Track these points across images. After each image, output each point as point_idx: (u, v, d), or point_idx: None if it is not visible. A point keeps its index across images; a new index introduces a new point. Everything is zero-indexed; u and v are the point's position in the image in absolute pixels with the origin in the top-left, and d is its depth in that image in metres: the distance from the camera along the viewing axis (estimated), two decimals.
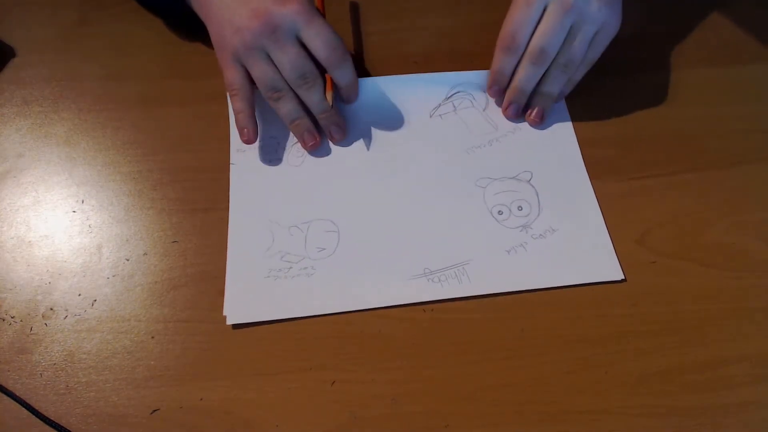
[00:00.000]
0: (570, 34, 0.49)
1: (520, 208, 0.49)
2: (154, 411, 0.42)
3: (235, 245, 0.48)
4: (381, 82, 0.54)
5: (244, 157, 0.52)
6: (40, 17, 0.60)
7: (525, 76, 0.51)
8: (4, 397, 0.42)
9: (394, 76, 0.55)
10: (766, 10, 0.61)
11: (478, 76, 0.55)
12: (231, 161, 0.52)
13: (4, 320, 0.45)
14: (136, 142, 0.53)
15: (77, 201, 0.50)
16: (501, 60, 0.51)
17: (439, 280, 0.46)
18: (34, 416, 0.41)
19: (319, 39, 0.46)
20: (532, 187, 0.50)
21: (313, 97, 0.49)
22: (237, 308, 0.45)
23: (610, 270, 0.46)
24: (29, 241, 0.48)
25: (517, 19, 0.49)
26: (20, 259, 0.47)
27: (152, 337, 0.44)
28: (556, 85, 0.51)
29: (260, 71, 0.48)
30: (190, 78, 0.56)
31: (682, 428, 0.41)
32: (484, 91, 0.55)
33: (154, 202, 0.50)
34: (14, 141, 0.53)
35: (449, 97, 0.55)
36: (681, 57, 0.58)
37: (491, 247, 0.47)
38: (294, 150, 0.52)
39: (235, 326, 0.44)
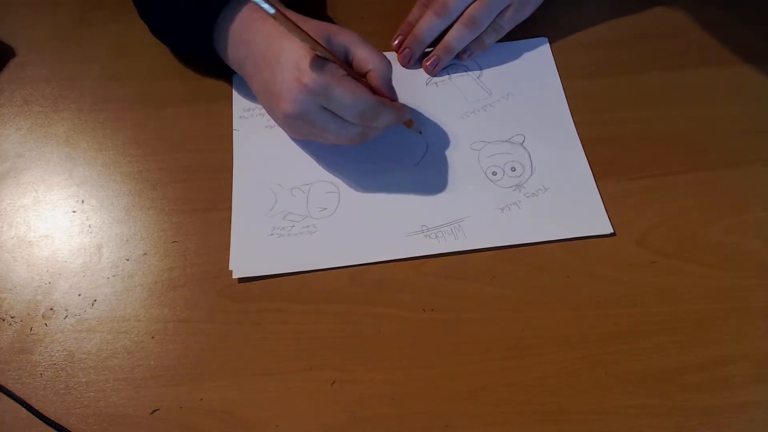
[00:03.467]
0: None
1: (513, 169, 0.51)
2: (154, 411, 0.42)
3: (239, 206, 0.49)
4: None
5: (246, 123, 0.53)
6: (40, 17, 0.60)
7: (426, 25, 0.54)
8: (4, 397, 0.42)
9: (392, 52, 0.58)
10: (766, 9, 0.61)
11: None
12: (234, 127, 0.53)
13: (4, 320, 0.45)
14: (136, 142, 0.53)
15: (77, 201, 0.50)
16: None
17: (436, 236, 0.48)
18: (34, 416, 0.41)
19: (344, 110, 0.44)
20: (525, 149, 0.52)
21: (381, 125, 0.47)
22: (242, 263, 0.47)
23: (600, 225, 0.48)
24: (29, 241, 0.48)
25: None
26: (20, 259, 0.47)
27: (152, 337, 0.44)
28: (458, 41, 0.54)
29: (326, 137, 0.48)
30: (190, 78, 0.56)
31: (682, 428, 0.41)
32: (477, 61, 0.57)
33: (154, 202, 0.50)
34: (14, 141, 0.53)
35: (445, 67, 0.57)
36: (681, 57, 0.58)
37: (486, 205, 0.49)
38: None
39: (236, 324, 0.45)
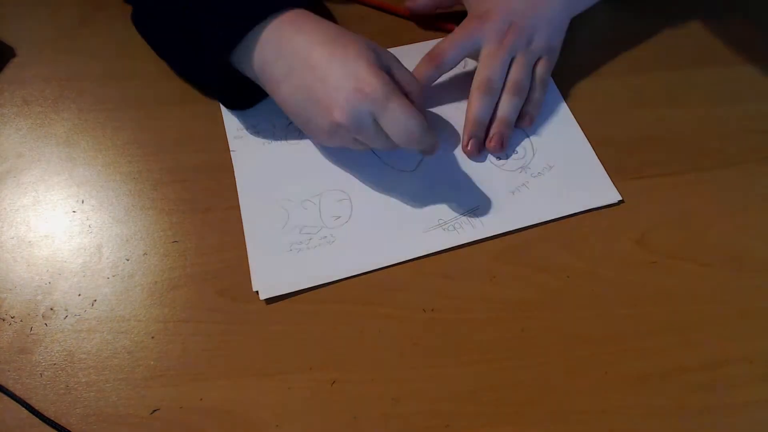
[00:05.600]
0: (511, 64, 0.52)
1: (516, 152, 0.52)
2: (154, 411, 0.42)
3: (251, 227, 0.48)
4: None
5: (243, 143, 0.53)
6: (40, 17, 0.60)
7: (479, 107, 0.52)
8: (4, 397, 0.42)
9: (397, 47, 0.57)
10: (766, 9, 0.61)
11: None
12: (231, 148, 0.52)
13: (4, 320, 0.45)
14: (136, 142, 0.53)
15: (77, 201, 0.50)
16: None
17: (454, 228, 0.48)
18: (34, 416, 0.41)
19: (394, 125, 0.43)
20: (523, 131, 0.54)
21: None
22: (267, 284, 0.46)
23: (607, 194, 0.50)
24: (29, 241, 0.48)
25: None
26: (20, 259, 0.47)
27: (152, 337, 0.44)
28: (509, 109, 0.52)
29: (364, 147, 0.48)
30: None
31: (682, 428, 0.41)
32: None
33: (154, 202, 0.50)
34: (14, 141, 0.53)
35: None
36: (681, 57, 0.58)
37: (496, 190, 0.50)
38: (291, 128, 0.53)
39: (236, 324, 0.45)
